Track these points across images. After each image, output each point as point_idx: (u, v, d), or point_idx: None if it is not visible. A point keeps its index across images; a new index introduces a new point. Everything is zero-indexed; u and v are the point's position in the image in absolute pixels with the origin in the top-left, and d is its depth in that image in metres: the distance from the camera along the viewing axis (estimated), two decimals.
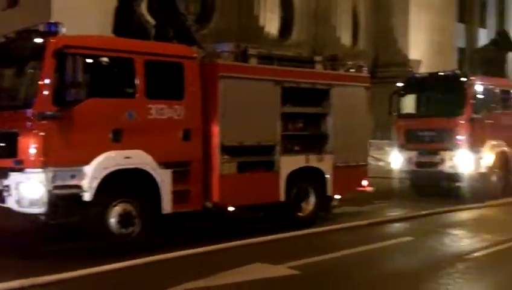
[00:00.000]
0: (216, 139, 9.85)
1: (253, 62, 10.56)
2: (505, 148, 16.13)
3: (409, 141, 16.18)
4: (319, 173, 11.46)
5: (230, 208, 10.11)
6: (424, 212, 13.21)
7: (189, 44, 10.33)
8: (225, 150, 9.94)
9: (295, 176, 10.98)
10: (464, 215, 13.60)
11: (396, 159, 16.34)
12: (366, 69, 13.07)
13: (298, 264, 8.12)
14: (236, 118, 10.08)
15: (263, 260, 8.32)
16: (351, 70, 12.50)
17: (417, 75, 19.37)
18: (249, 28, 23.13)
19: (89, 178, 8.43)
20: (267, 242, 9.82)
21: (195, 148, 9.66)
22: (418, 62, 29.52)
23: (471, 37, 36.67)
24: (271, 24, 25.05)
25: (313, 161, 11.35)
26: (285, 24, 26.70)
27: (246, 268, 7.94)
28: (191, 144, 9.61)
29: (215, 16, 24.06)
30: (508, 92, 16.79)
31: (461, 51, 35.33)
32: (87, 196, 8.43)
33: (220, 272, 7.67)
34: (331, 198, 11.90)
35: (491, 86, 16.14)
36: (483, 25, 38.30)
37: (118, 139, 8.76)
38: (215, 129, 9.85)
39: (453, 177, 15.60)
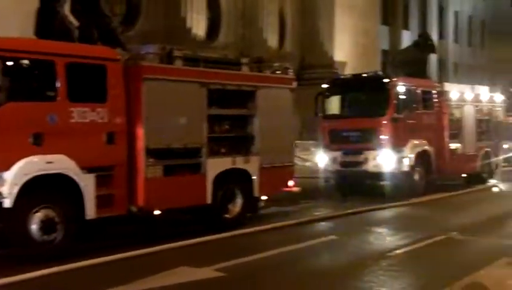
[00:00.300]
0: (141, 143, 9.73)
1: (178, 64, 10.49)
2: (427, 147, 16.67)
3: (333, 141, 16.50)
4: (246, 175, 11.53)
5: (156, 212, 10.02)
6: (349, 211, 13.51)
7: (113, 46, 10.17)
8: (150, 153, 9.83)
9: (222, 178, 10.99)
10: (387, 213, 13.98)
11: (321, 159, 16.63)
12: (292, 70, 13.24)
13: (224, 266, 8.15)
14: (162, 121, 10.00)
15: (189, 263, 8.31)
16: (277, 72, 12.64)
17: (341, 77, 19.78)
18: (175, 29, 22.94)
19: (8, 184, 8.19)
20: (194, 245, 9.80)
21: (120, 152, 9.52)
22: (343, 64, 30.12)
23: (395, 39, 37.75)
24: (198, 26, 24.94)
25: (240, 162, 11.40)
26: (212, 26, 26.66)
27: (171, 272, 7.89)
28: (115, 148, 9.46)
29: (141, 18, 23.73)
30: (429, 92, 17.32)
31: (385, 52, 36.28)
32: (7, 203, 8.19)
33: (145, 276, 7.59)
34: (258, 199, 11.98)
35: (412, 87, 16.59)
36: (406, 27, 39.44)
37: (39, 144, 8.53)
38: (140, 132, 9.73)
39: (377, 176, 15.98)
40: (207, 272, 7.88)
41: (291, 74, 13.02)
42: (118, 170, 9.46)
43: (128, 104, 9.67)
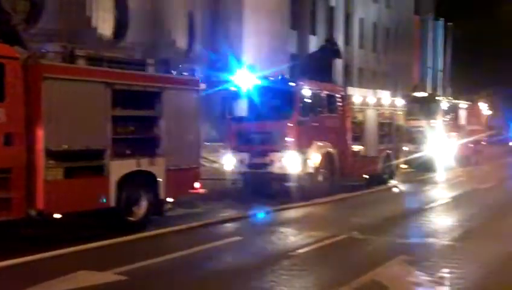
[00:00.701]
0: (40, 144, 9.42)
1: (81, 63, 10.25)
2: (330, 149, 17.09)
3: (241, 143, 16.64)
4: (151, 177, 11.40)
5: (57, 215, 9.72)
6: (254, 212, 13.63)
7: (13, 44, 9.79)
8: (50, 155, 9.53)
9: (126, 180, 10.81)
10: (292, 213, 14.24)
11: (229, 161, 16.72)
12: (200, 72, 13.24)
13: (127, 270, 8.04)
14: (63, 122, 9.73)
15: (91, 267, 8.13)
16: (184, 73, 12.60)
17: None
18: (80, 28, 22.36)
19: None
20: (96, 249, 9.60)
21: (18, 154, 9.19)
22: (253, 67, 30.38)
23: (302, 44, 38.44)
24: (104, 25, 24.44)
25: (145, 164, 11.26)
26: (119, 26, 26.18)
27: (71, 276, 7.70)
28: (13, 149, 9.12)
29: (45, 16, 22.95)
30: (333, 96, 17.76)
31: (293, 56, 36.91)
32: None
33: (44, 281, 7.37)
34: (164, 201, 11.88)
35: (317, 91, 16.98)
36: (313, 32, 40.27)
37: None
38: (40, 133, 9.43)
39: (283, 178, 16.24)
40: (108, 276, 7.75)
41: (198, 75, 13.00)
42: (16, 172, 9.13)
43: (27, 104, 9.35)
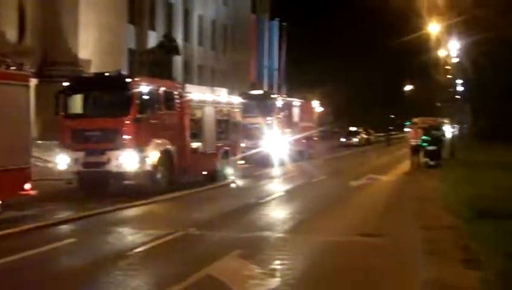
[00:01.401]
0: None
1: None
2: (169, 147, 17.05)
3: (75, 141, 16.06)
4: None
5: None
6: (91, 213, 13.26)
7: None
8: None
9: None
10: (131, 212, 14.02)
11: (63, 160, 16.07)
12: (29, 67, 12.58)
13: None
14: None
15: None
16: (11, 68, 11.88)
17: (83, 75, 19.41)
18: None
19: None
20: None
21: None
22: (89, 62, 29.46)
23: (141, 39, 37.74)
24: None
25: None
26: None
27: None
28: None
29: None
30: (171, 93, 17.71)
31: (132, 52, 36.22)
32: None
33: None
34: None
35: (155, 88, 16.83)
36: (152, 27, 39.75)
37: None
38: None
39: (120, 176, 15.97)
40: None
41: (28, 70, 12.34)
42: None
43: None
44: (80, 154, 15.90)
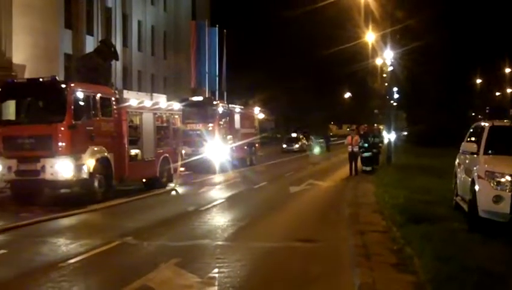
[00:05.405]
0: None
1: None
2: (106, 154, 16.73)
3: (8, 148, 15.59)
4: None
5: None
6: (24, 222, 12.86)
7: None
8: None
9: None
10: (66, 222, 13.64)
11: None
12: None
13: None
14: None
15: None
16: None
17: (16, 81, 18.84)
18: None
19: None
20: None
21: None
22: (23, 67, 28.69)
23: (78, 44, 37.00)
24: None
25: None
26: None
27: None
28: None
29: None
30: (108, 99, 17.40)
31: (68, 56, 35.48)
32: None
33: None
34: None
35: (91, 93, 16.49)
36: (90, 32, 39.00)
37: None
38: None
39: (56, 185, 15.57)
40: None
41: None
42: None
43: None
44: (13, 162, 15.42)
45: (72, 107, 15.51)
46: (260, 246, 10.43)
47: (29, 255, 9.95)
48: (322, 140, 57.30)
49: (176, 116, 22.02)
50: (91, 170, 15.91)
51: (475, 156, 11.72)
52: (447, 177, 15.71)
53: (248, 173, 27.99)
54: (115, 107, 17.57)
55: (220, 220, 13.81)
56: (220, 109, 29.62)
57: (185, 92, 44.85)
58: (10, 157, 15.46)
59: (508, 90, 73.51)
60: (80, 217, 14.29)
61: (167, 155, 20.70)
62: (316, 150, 52.38)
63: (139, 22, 47.20)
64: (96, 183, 16.21)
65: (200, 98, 32.13)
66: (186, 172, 25.25)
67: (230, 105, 32.58)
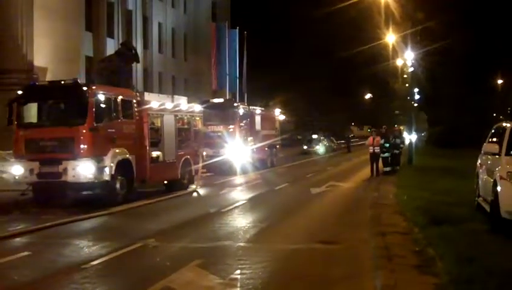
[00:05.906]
0: None
1: None
2: (128, 156, 16.79)
3: (30, 151, 15.70)
4: None
5: None
6: (46, 225, 12.94)
7: None
8: None
9: None
10: (88, 224, 13.72)
11: (17, 171, 15.70)
12: None
13: None
14: None
15: None
16: None
17: (37, 83, 18.98)
18: None
19: None
20: None
21: None
22: (44, 69, 28.92)
23: (99, 46, 37.38)
24: None
25: None
26: None
27: None
28: None
29: None
30: (129, 101, 17.47)
31: (89, 59, 35.79)
32: None
33: None
34: None
35: (112, 96, 16.56)
36: (110, 35, 39.32)
37: None
38: None
39: (77, 187, 15.64)
40: None
41: None
42: None
43: None
44: (35, 165, 15.54)
45: (94, 109, 15.58)
46: (282, 248, 10.40)
47: (52, 256, 10.02)
48: (344, 141, 57.09)
49: (197, 118, 22.07)
50: (113, 172, 15.95)
51: (497, 156, 11.60)
52: (468, 178, 15.54)
53: (269, 174, 27.96)
54: (136, 109, 17.64)
55: (241, 221, 13.79)
56: (241, 111, 29.62)
57: (206, 93, 45.01)
58: (32, 159, 15.58)
59: None
60: (102, 219, 14.37)
61: (188, 157, 20.74)
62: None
63: (160, 24, 47.43)
64: (117, 185, 16.28)
65: (221, 100, 32.21)
66: (207, 174, 25.28)
67: (250, 106, 32.60)
